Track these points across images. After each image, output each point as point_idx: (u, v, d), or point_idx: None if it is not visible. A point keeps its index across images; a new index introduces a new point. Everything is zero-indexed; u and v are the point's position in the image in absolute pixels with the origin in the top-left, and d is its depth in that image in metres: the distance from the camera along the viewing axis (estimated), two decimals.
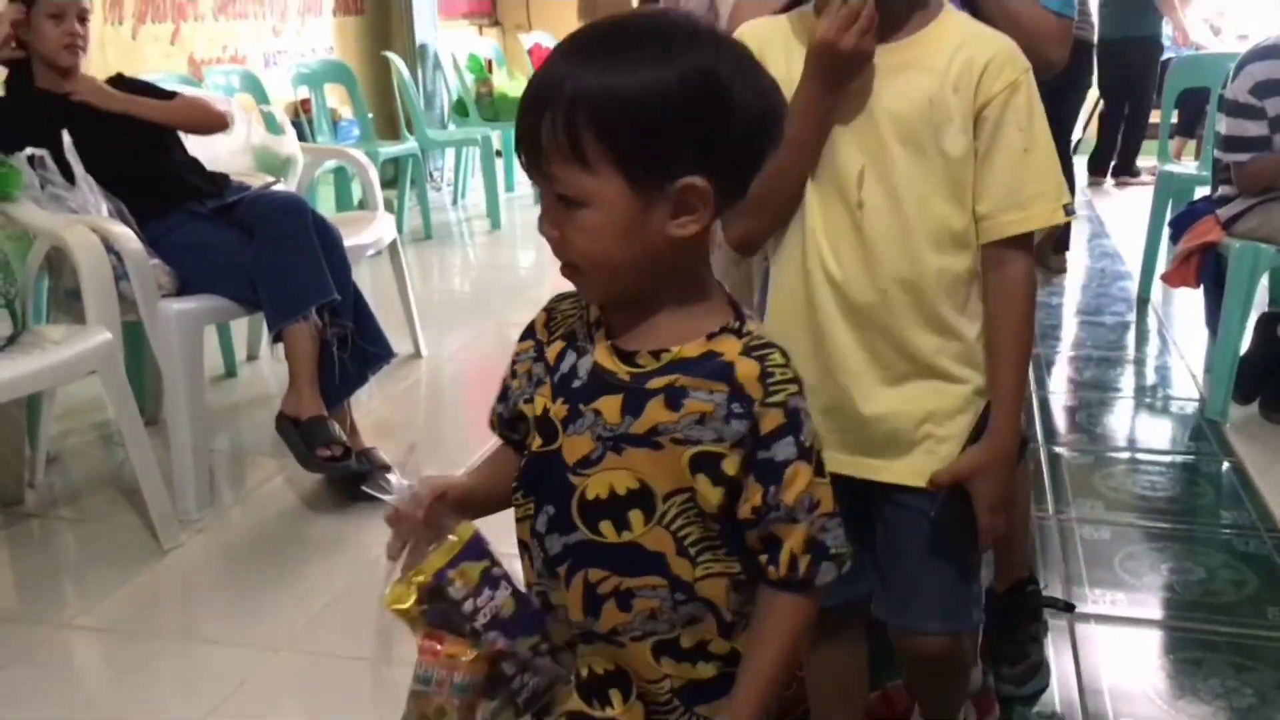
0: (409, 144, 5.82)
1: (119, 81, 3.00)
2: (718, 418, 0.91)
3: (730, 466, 0.92)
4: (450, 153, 7.02)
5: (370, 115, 5.92)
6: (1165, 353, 3.93)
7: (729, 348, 0.93)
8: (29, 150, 2.64)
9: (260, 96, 5.03)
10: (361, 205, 4.97)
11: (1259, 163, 3.02)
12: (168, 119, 2.97)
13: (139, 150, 2.83)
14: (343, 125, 5.90)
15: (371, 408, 3.21)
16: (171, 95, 3.04)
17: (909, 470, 1.32)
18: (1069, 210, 1.30)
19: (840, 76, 1.23)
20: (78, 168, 2.65)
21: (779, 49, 1.29)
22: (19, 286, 2.47)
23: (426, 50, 6.89)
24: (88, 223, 2.52)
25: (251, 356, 3.81)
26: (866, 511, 1.37)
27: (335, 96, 5.95)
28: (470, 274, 5.63)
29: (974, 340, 1.32)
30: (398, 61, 6.14)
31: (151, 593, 2.37)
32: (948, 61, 1.25)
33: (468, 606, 0.95)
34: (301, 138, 4.58)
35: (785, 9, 1.43)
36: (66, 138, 2.65)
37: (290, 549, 2.55)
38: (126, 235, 2.56)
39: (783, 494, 0.92)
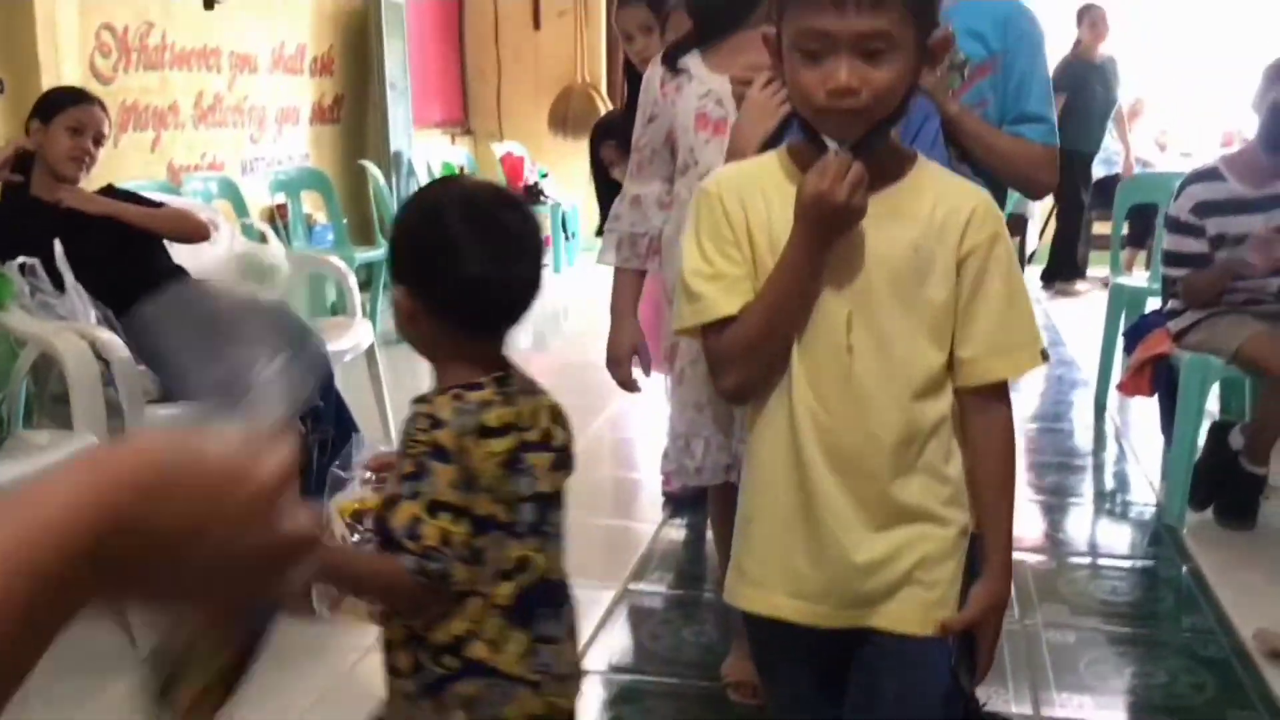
0: (383, 249, 5.92)
1: (108, 191, 3.08)
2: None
3: None
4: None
5: (345, 221, 6.03)
6: (1123, 459, 4.04)
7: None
8: (20, 259, 2.70)
9: (238, 202, 5.13)
10: (334, 309, 5.05)
11: (1198, 278, 3.17)
12: (151, 225, 3.05)
13: (127, 259, 2.90)
14: (317, 230, 6.00)
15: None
16: (158, 205, 3.12)
17: (898, 617, 1.33)
18: (1045, 355, 1.36)
19: (833, 232, 1.26)
20: (68, 276, 2.71)
21: (758, 194, 1.33)
22: (7, 392, 2.51)
23: (401, 158, 7.04)
24: (77, 330, 2.58)
25: None
26: (841, 654, 1.39)
27: (310, 203, 6.06)
28: None
29: (958, 480, 1.35)
30: (374, 169, 6.27)
31: (130, 699, 2.36)
32: (930, 210, 1.30)
33: None
34: None
35: (773, 138, 1.54)
36: (58, 247, 2.71)
37: (267, 655, 2.55)
38: (114, 342, 2.61)
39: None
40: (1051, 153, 1.88)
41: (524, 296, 1.28)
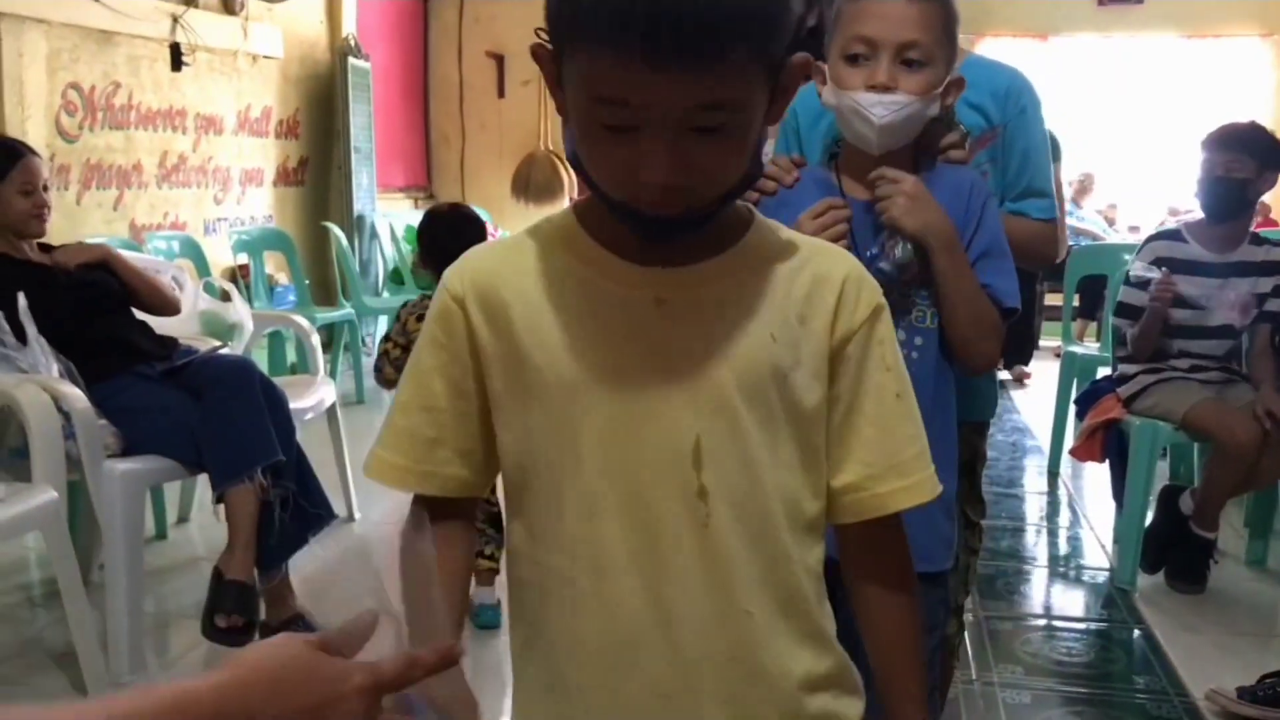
0: (345, 310, 5.94)
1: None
2: None
3: None
4: (382, 319, 7.14)
5: (307, 281, 6.04)
6: (1076, 524, 4.10)
7: None
8: None
9: (200, 261, 5.13)
10: (294, 368, 5.05)
11: (1141, 325, 3.26)
12: (138, 283, 3.06)
13: (91, 313, 2.89)
14: (279, 290, 6.00)
15: (304, 571, 3.22)
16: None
17: None
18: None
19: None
20: (30, 329, 2.71)
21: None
22: None
23: (364, 221, 7.08)
24: (39, 382, 2.57)
25: (182, 519, 3.80)
26: None
27: (273, 263, 6.07)
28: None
29: (841, 651, 1.02)
30: (337, 231, 6.30)
31: None
32: (787, 282, 0.97)
33: None
34: None
35: None
36: (22, 300, 2.71)
37: None
38: (76, 395, 2.61)
39: None
40: (1054, 227, 1.86)
41: None
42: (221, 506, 2.74)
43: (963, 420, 1.68)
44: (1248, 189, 3.18)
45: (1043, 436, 4.99)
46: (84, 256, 3.00)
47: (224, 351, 3.11)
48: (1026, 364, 6.55)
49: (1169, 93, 7.94)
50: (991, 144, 1.79)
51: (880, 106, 1.46)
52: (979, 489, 1.91)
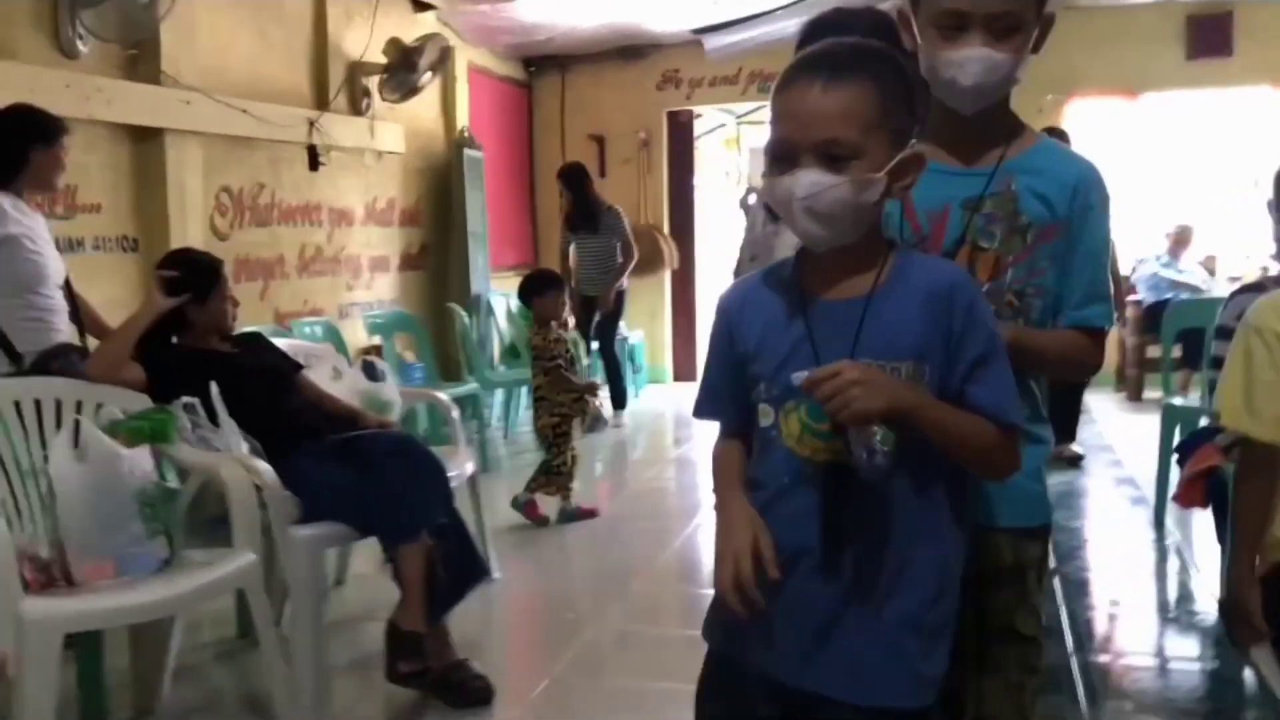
0: (470, 385, 6.32)
1: (255, 340, 3.51)
2: None
3: None
4: (499, 392, 7.52)
5: (433, 359, 6.45)
6: (1184, 569, 4.22)
7: None
8: (183, 399, 3.08)
9: (338, 343, 5.55)
10: (427, 439, 5.40)
11: None
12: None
13: (274, 394, 3.28)
14: (406, 368, 6.41)
15: (455, 627, 3.52)
16: (299, 366, 3.57)
17: None
18: None
19: None
20: (222, 413, 3.08)
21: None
22: (174, 516, 2.85)
23: (480, 300, 7.50)
24: (237, 459, 2.93)
25: (339, 581, 4.14)
26: None
27: (401, 343, 6.49)
28: None
29: None
30: (459, 311, 6.72)
31: None
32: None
33: None
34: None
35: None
36: (214, 388, 3.09)
37: None
38: (267, 470, 2.96)
39: None
40: (1098, 336, 1.71)
41: None
42: (389, 566, 3.06)
43: (1005, 527, 1.65)
44: None
45: (1147, 488, 5.11)
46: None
47: (389, 427, 3.47)
48: (1072, 441, 5.95)
49: (1264, 143, 8.00)
50: (1055, 239, 1.65)
51: (800, 189, 1.39)
52: (1031, 601, 1.69)
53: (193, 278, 3.32)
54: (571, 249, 7.69)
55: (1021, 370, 1.58)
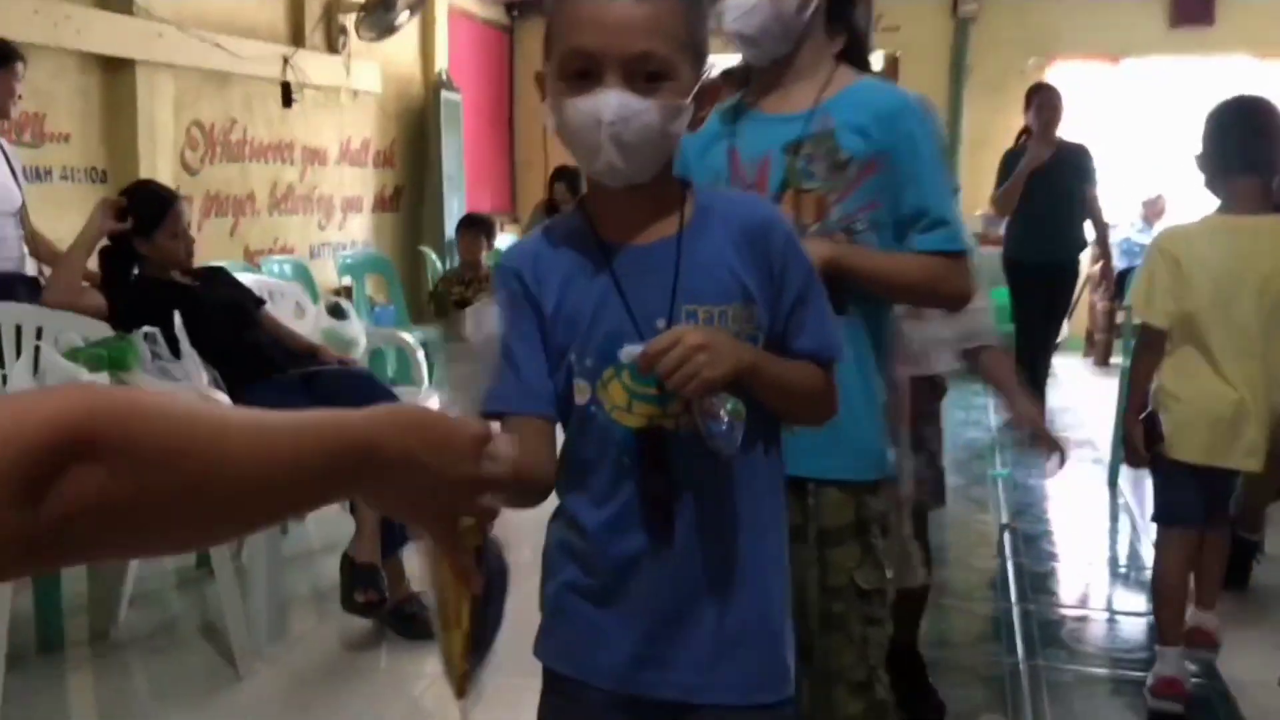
0: (439, 329, 6.33)
1: (216, 273, 3.51)
2: None
3: None
4: None
5: (404, 301, 6.46)
6: (1133, 529, 4.31)
7: None
8: (145, 328, 3.09)
9: (308, 283, 5.55)
10: (393, 381, 5.43)
11: None
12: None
13: (235, 328, 3.29)
14: (378, 310, 6.43)
15: (411, 562, 3.57)
16: (260, 301, 3.56)
17: None
18: None
19: None
20: (184, 344, 3.10)
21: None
22: None
23: (454, 245, 7.48)
24: (194, 390, 2.95)
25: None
26: None
27: (373, 284, 6.50)
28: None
29: None
30: (431, 255, 6.72)
31: (230, 716, 2.70)
32: None
33: None
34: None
35: None
36: (177, 318, 3.11)
37: (351, 680, 2.89)
38: (225, 402, 2.98)
39: None
40: (955, 260, 1.68)
41: None
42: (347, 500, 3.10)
43: (844, 480, 1.64)
44: None
45: (1106, 450, 5.19)
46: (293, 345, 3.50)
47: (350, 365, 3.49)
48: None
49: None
50: (879, 171, 1.64)
51: (608, 111, 1.19)
52: (875, 554, 1.69)
53: (140, 209, 3.32)
54: None
55: (871, 295, 1.62)
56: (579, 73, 1.20)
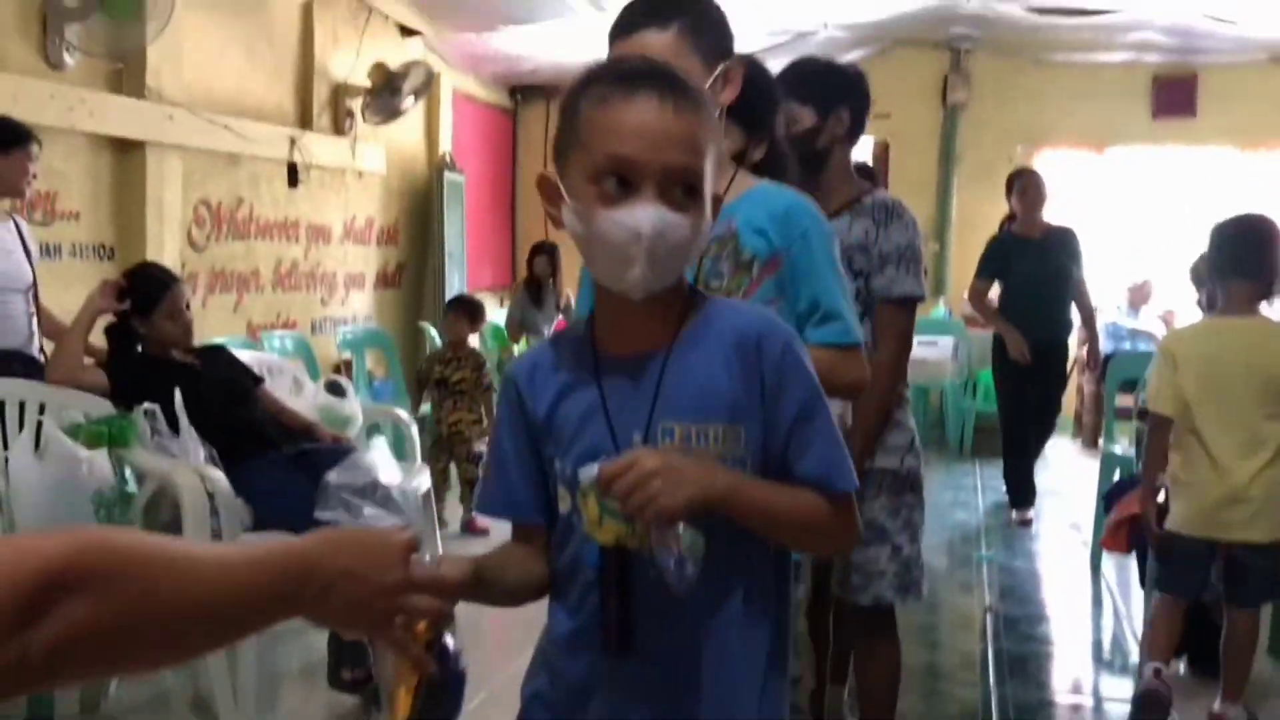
0: None
1: (216, 352, 3.62)
2: None
3: None
4: None
5: (403, 377, 6.56)
6: (1114, 612, 4.37)
7: None
8: (145, 405, 3.19)
9: (308, 358, 5.67)
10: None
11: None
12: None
13: (233, 406, 3.39)
14: (377, 385, 6.53)
15: None
16: (258, 379, 3.66)
17: None
18: None
19: None
20: (183, 420, 3.20)
21: None
22: (128, 519, 2.97)
23: None
24: (191, 467, 3.05)
25: None
26: None
27: (373, 359, 6.61)
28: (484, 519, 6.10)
29: None
30: (431, 330, 6.84)
31: None
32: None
33: None
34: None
35: None
36: (178, 395, 3.21)
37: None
38: (220, 478, 3.07)
39: None
40: (858, 352, 1.75)
41: None
42: None
43: None
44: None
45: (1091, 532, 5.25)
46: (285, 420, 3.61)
47: (345, 442, 3.58)
48: (1028, 507, 5.84)
49: (1224, 202, 8.20)
50: (778, 270, 1.74)
51: (648, 225, 1.18)
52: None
53: (138, 290, 3.45)
54: (522, 320, 7.32)
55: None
56: (616, 182, 1.19)
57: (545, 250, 7.39)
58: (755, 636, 1.28)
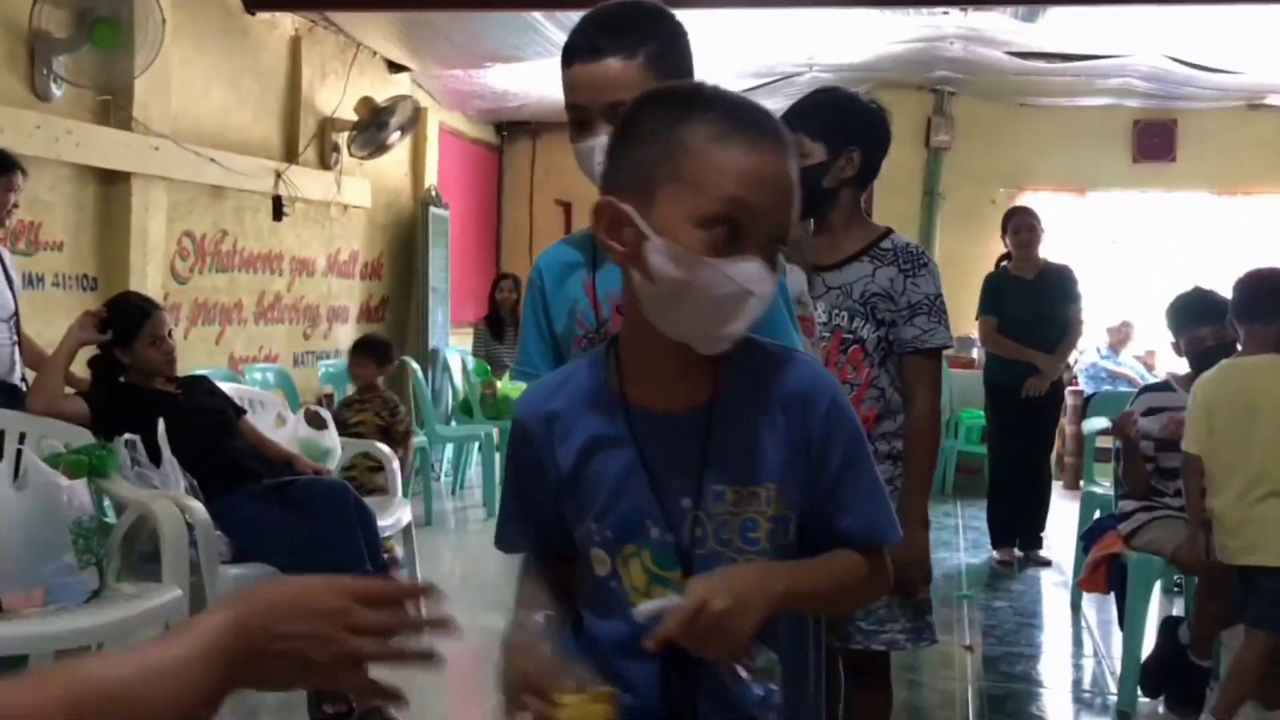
0: (419, 438, 6.42)
1: (199, 383, 3.62)
2: None
3: None
4: (449, 446, 7.62)
5: None
6: (1093, 653, 4.37)
7: None
8: (126, 435, 3.18)
9: (290, 390, 5.66)
10: (370, 490, 5.50)
11: (1129, 466, 3.66)
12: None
13: (215, 436, 3.39)
14: None
15: (378, 672, 3.60)
16: (241, 410, 3.66)
17: None
18: None
19: None
20: (165, 451, 3.19)
21: None
22: (107, 549, 2.94)
23: (438, 354, 7.62)
24: (170, 498, 3.03)
25: None
26: None
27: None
28: (467, 558, 6.07)
29: None
30: (413, 364, 6.84)
31: None
32: None
33: None
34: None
35: None
36: (161, 426, 3.20)
37: None
38: (199, 509, 3.06)
39: None
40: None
41: None
42: None
43: None
44: (1229, 349, 3.54)
45: (1070, 572, 5.27)
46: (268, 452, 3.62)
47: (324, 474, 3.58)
48: (1038, 548, 5.85)
49: (1203, 246, 8.29)
50: None
51: (759, 284, 1.12)
52: None
53: (118, 320, 3.45)
54: (487, 355, 7.40)
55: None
56: (727, 230, 1.10)
57: (509, 278, 7.49)
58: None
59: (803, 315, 1.99)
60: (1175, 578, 4.30)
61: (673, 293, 1.11)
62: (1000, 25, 6.44)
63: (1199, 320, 3.66)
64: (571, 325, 1.66)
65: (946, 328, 2.40)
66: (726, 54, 6.50)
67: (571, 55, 1.61)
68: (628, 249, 1.14)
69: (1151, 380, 5.69)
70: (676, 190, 1.11)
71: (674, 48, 1.62)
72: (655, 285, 1.12)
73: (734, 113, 1.13)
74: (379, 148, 6.76)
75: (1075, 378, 8.05)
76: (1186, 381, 3.71)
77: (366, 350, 5.53)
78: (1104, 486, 5.17)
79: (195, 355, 5.51)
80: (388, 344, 5.69)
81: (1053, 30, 6.48)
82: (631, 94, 1.37)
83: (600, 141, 1.53)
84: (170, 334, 3.56)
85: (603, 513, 1.21)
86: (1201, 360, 3.65)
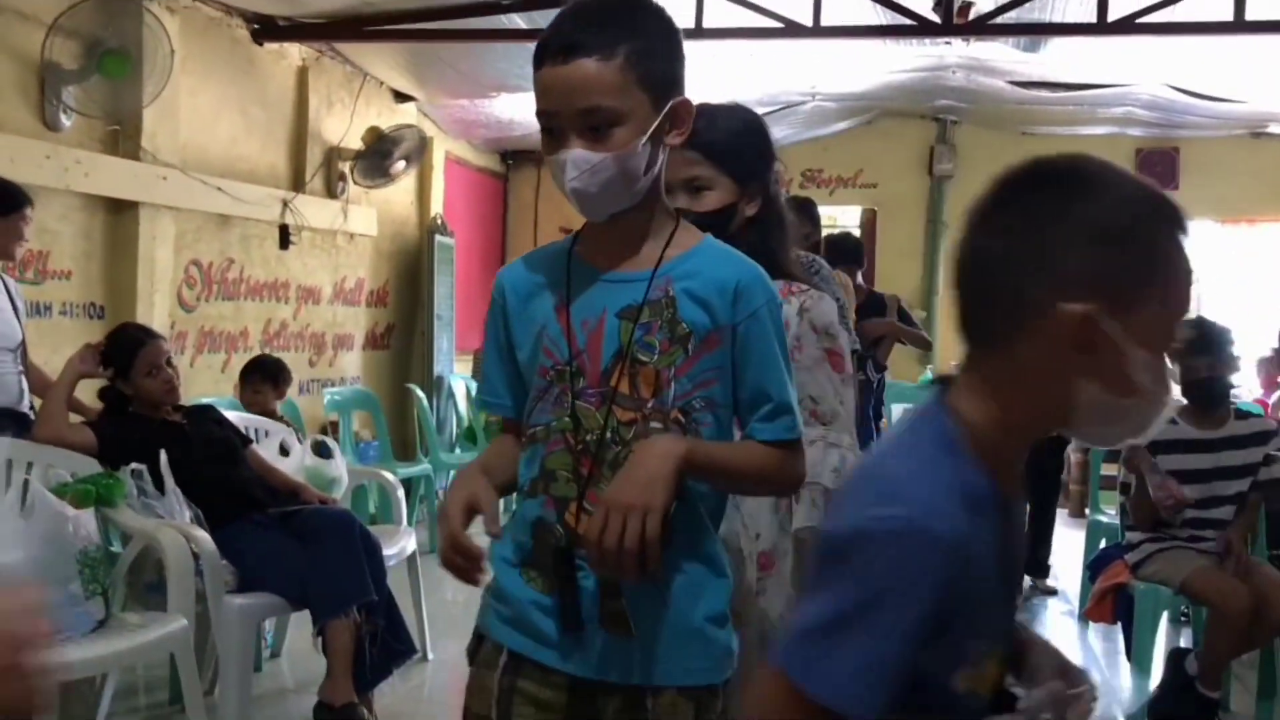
0: (423, 465, 6.42)
1: (205, 412, 3.62)
2: None
3: None
4: (453, 474, 7.61)
5: (389, 438, 6.55)
6: (1100, 682, 4.34)
7: None
8: (132, 465, 3.19)
9: (295, 418, 5.65)
10: (374, 518, 5.50)
11: (1137, 498, 3.63)
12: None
13: (221, 466, 3.39)
14: (363, 446, 6.52)
15: (382, 700, 3.60)
16: (247, 440, 3.66)
17: None
18: None
19: None
20: (169, 481, 3.20)
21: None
22: (111, 579, 2.95)
23: (443, 382, 7.63)
24: (176, 527, 3.04)
25: (275, 654, 4.20)
26: None
27: (360, 420, 6.60)
28: (470, 587, 6.05)
29: None
30: (419, 392, 6.85)
31: None
32: None
33: None
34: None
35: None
36: (164, 456, 3.21)
37: None
38: (205, 539, 3.07)
39: None
40: (795, 448, 1.53)
41: None
42: (319, 639, 3.16)
43: (682, 686, 1.45)
44: (1227, 383, 3.57)
45: (1077, 601, 5.25)
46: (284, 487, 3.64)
47: (331, 503, 3.58)
48: (1044, 576, 5.80)
49: (1206, 275, 8.28)
50: (719, 347, 1.48)
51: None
52: None
53: (115, 352, 3.46)
54: None
55: (719, 488, 1.53)
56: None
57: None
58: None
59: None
60: (1183, 608, 4.29)
61: (1148, 404, 1.04)
62: (1003, 55, 6.49)
63: (1195, 352, 3.66)
64: (537, 353, 1.53)
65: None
66: (729, 84, 6.54)
67: (542, 55, 1.44)
68: (1097, 363, 1.01)
69: None
70: (1158, 298, 1.02)
71: (660, 47, 1.46)
72: (1131, 399, 1.03)
73: (1186, 223, 1.06)
74: (385, 176, 6.79)
75: None
76: (1188, 414, 3.71)
77: (261, 373, 4.86)
78: (1110, 515, 5.17)
79: (201, 383, 5.52)
80: (281, 363, 5.09)
81: (1055, 60, 6.52)
82: (608, 98, 1.39)
83: (574, 155, 1.42)
84: (169, 363, 3.55)
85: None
86: (1195, 392, 3.65)
